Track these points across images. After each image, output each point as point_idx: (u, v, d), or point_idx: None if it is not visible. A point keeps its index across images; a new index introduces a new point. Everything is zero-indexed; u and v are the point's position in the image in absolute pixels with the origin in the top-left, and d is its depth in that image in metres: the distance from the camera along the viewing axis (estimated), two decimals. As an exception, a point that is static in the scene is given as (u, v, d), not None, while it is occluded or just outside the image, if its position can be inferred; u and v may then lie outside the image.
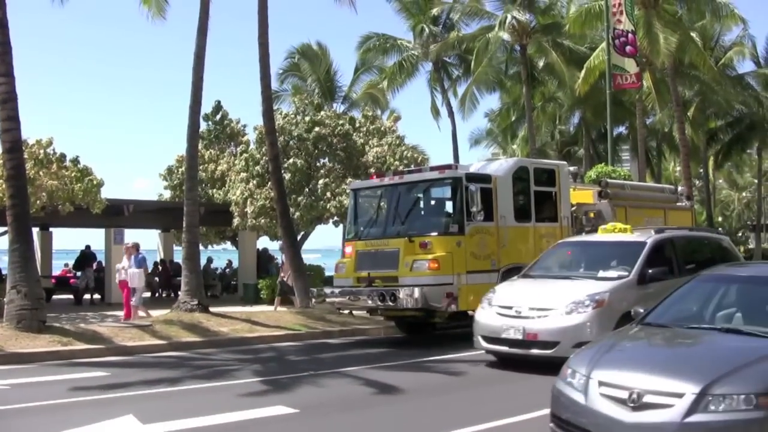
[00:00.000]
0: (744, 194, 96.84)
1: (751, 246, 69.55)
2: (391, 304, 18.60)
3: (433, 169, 20.60)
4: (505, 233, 19.75)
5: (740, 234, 75.59)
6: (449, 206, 19.86)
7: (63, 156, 27.19)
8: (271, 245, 38.43)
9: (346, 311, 22.15)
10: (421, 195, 20.57)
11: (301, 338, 20.98)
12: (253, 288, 33.01)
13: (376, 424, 10.72)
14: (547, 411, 10.31)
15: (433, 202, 20.87)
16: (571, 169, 23.43)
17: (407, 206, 20.26)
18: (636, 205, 24.13)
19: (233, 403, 11.84)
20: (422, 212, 20.61)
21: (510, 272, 19.34)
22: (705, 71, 42.81)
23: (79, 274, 34.71)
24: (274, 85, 40.60)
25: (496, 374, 14.67)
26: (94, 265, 35.26)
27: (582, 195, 23.78)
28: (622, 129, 58.08)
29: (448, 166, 20.04)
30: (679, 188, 28.82)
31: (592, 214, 22.92)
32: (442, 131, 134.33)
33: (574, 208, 22.45)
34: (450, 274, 18.51)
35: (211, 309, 23.59)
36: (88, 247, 35.39)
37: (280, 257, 30.01)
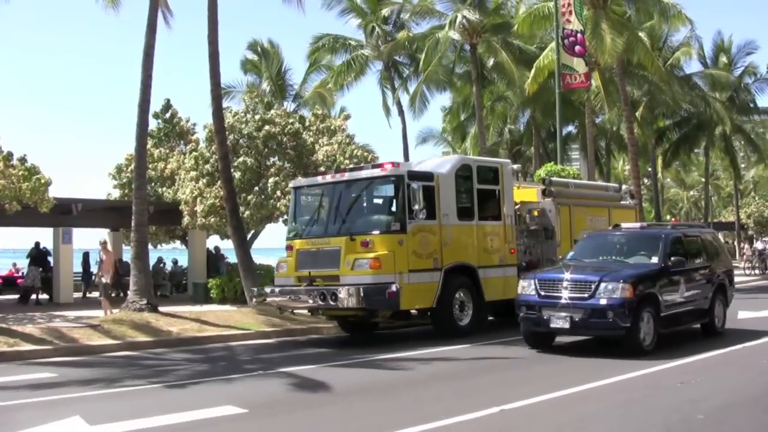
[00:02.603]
0: (692, 193, 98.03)
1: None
2: (332, 303, 18.42)
3: (375, 166, 20.31)
4: (447, 232, 19.60)
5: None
6: (391, 204, 19.56)
7: (10, 154, 26.86)
8: (222, 244, 38.23)
9: (288, 311, 21.87)
10: (362, 193, 20.18)
11: (251, 338, 20.90)
12: (203, 287, 32.86)
13: (324, 423, 10.71)
14: (497, 409, 10.44)
15: (375, 200, 20.62)
16: (515, 167, 23.33)
17: (349, 204, 20.02)
18: (580, 203, 24.32)
19: (182, 404, 11.78)
20: (364, 210, 20.29)
21: (453, 271, 19.62)
22: (653, 71, 43.26)
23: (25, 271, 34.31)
24: (231, 78, 40.43)
25: (445, 372, 14.71)
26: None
27: (526, 193, 23.89)
28: (571, 128, 58.51)
29: (391, 164, 19.80)
30: (623, 187, 28.78)
31: (536, 213, 23.07)
32: (392, 130, 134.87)
33: (517, 207, 22.47)
34: (391, 273, 18.28)
35: (161, 309, 23.49)
36: (38, 244, 34.84)
37: (97, 255, 28.00)
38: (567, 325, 15.98)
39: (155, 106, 39.63)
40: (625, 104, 43.24)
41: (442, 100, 78.97)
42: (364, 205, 20.35)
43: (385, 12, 48.04)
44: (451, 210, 19.82)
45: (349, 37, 49.89)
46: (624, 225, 19.88)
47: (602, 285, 15.65)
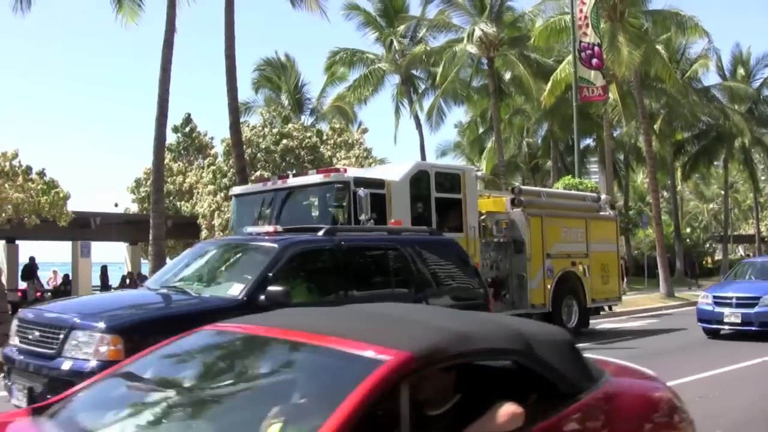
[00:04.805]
0: (711, 206, 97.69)
1: (719, 257, 70.07)
2: None
3: (319, 172, 18.91)
4: None
5: (708, 245, 76.16)
6: (336, 213, 17.69)
7: (29, 168, 27.03)
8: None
9: None
10: (306, 201, 18.62)
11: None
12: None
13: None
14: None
15: (318, 209, 18.47)
16: (479, 173, 21.83)
17: (290, 213, 18.27)
18: (553, 214, 22.62)
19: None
20: (304, 221, 17.92)
21: None
22: (670, 84, 43.18)
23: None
24: (245, 95, 40.59)
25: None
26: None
27: (494, 203, 22.50)
28: (589, 141, 58.55)
29: (336, 170, 18.75)
30: (603, 196, 26.83)
31: (504, 224, 21.46)
32: (411, 144, 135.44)
33: (483, 217, 20.99)
34: None
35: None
36: (32, 259, 34.92)
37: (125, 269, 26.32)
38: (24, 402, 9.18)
39: (175, 119, 39.87)
40: (642, 117, 43.11)
41: (459, 113, 79.18)
42: (307, 214, 18.56)
43: (401, 28, 48.22)
44: (405, 220, 17.93)
45: (365, 50, 50.14)
46: (251, 229, 13.71)
47: (73, 334, 9.32)
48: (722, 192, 74.62)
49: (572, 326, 22.11)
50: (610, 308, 25.77)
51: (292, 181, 18.71)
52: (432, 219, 18.90)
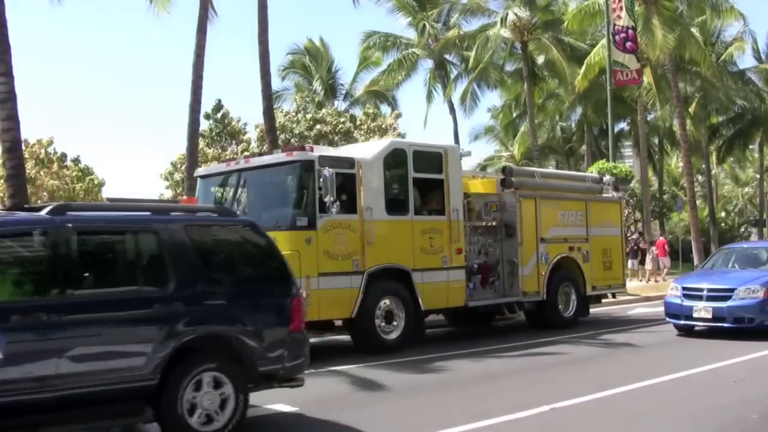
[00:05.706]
0: (746, 190, 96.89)
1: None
2: None
3: (284, 150, 17.73)
4: (371, 228, 16.64)
5: (743, 229, 75.45)
6: (299, 195, 16.42)
7: (64, 155, 27.25)
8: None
9: None
10: (269, 182, 17.30)
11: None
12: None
13: (376, 421, 10.69)
14: (548, 407, 10.39)
15: (280, 191, 17.20)
16: (463, 151, 20.13)
17: (253, 196, 17.42)
18: (548, 196, 21.25)
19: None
20: (269, 202, 17.14)
21: (379, 275, 16.87)
22: (705, 67, 42.86)
23: None
24: (277, 81, 40.68)
25: (494, 371, 14.62)
26: None
27: (484, 184, 21.14)
28: (623, 125, 58.20)
29: (301, 147, 17.23)
30: (605, 177, 24.81)
31: (493, 207, 20.19)
32: (444, 128, 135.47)
33: (469, 199, 19.57)
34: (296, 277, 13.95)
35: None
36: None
37: None
38: None
39: (207, 105, 40.01)
40: (677, 100, 42.87)
41: (493, 98, 78.91)
42: (269, 196, 17.40)
43: (434, 13, 48.20)
44: (378, 203, 16.95)
45: (399, 35, 50.08)
46: None
47: None
48: (757, 176, 73.96)
49: (570, 315, 21.26)
50: (613, 296, 24.64)
51: (256, 161, 17.78)
52: (409, 201, 17.67)
